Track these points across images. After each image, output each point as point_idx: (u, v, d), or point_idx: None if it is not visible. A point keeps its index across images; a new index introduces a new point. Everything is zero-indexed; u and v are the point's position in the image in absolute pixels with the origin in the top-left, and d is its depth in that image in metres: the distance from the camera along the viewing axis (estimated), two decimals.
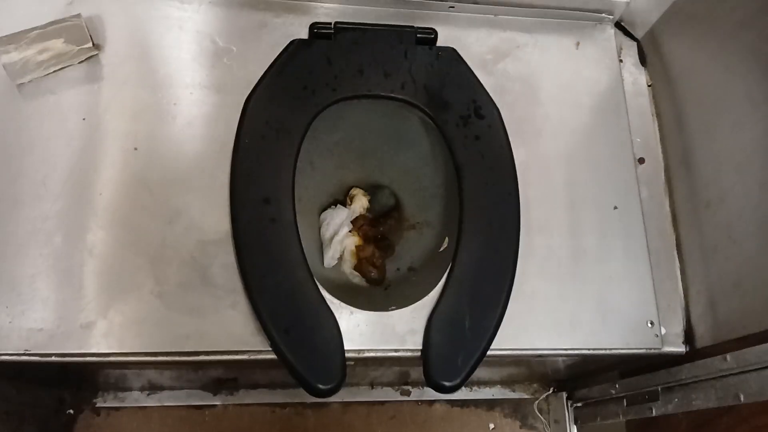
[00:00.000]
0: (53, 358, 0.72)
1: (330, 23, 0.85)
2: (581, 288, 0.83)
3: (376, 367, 1.06)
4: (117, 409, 1.11)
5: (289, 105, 0.80)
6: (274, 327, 0.71)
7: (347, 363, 0.72)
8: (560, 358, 0.98)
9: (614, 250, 0.85)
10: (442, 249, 0.88)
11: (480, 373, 1.16)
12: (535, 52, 0.95)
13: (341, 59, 0.84)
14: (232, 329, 0.75)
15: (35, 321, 0.72)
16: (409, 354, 0.75)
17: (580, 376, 1.13)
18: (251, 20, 0.89)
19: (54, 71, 0.82)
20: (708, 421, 0.80)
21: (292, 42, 0.84)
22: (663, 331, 0.83)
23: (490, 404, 1.21)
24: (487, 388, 1.22)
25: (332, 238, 0.92)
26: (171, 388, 1.12)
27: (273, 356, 0.72)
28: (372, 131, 0.94)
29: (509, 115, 0.86)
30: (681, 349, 0.84)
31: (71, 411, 1.09)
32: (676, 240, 0.89)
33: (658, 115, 0.95)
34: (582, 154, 0.89)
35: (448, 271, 0.77)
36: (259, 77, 0.82)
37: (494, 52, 0.94)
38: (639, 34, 0.98)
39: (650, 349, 0.82)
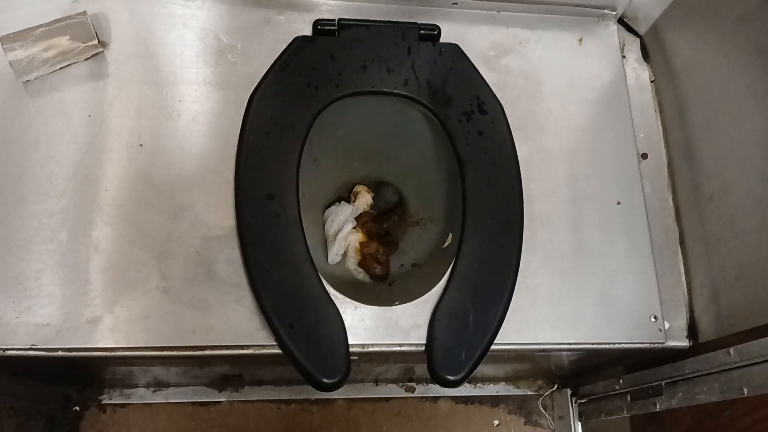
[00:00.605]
0: (60, 353, 0.72)
1: (333, 20, 0.85)
2: (584, 282, 0.83)
3: (380, 363, 1.06)
4: (123, 405, 1.11)
5: (293, 101, 0.81)
6: (279, 322, 0.71)
7: (352, 357, 0.73)
8: (564, 353, 0.98)
9: (617, 244, 0.85)
10: (445, 245, 0.88)
11: (484, 369, 1.18)
12: (538, 48, 0.95)
13: (344, 56, 0.84)
14: (238, 324, 0.75)
15: (42, 316, 0.73)
16: (413, 348, 0.76)
17: (584, 372, 1.13)
18: (255, 17, 0.90)
19: (59, 68, 0.82)
20: (711, 415, 0.80)
21: (295, 38, 0.85)
22: (666, 325, 0.83)
23: (494, 401, 1.21)
24: (492, 385, 1.22)
25: (336, 234, 0.93)
26: (177, 385, 1.13)
27: (278, 351, 0.73)
28: (375, 127, 0.94)
29: (512, 111, 0.87)
30: (684, 343, 0.84)
31: (77, 408, 1.10)
32: (679, 234, 0.89)
33: (661, 110, 0.95)
34: (585, 149, 0.89)
35: (451, 265, 0.77)
36: (263, 74, 0.83)
37: (497, 49, 0.94)
38: (642, 29, 0.98)
39: (654, 343, 0.82)
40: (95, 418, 1.10)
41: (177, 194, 0.79)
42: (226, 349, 0.75)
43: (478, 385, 1.22)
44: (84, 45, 0.82)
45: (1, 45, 0.78)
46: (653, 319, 0.82)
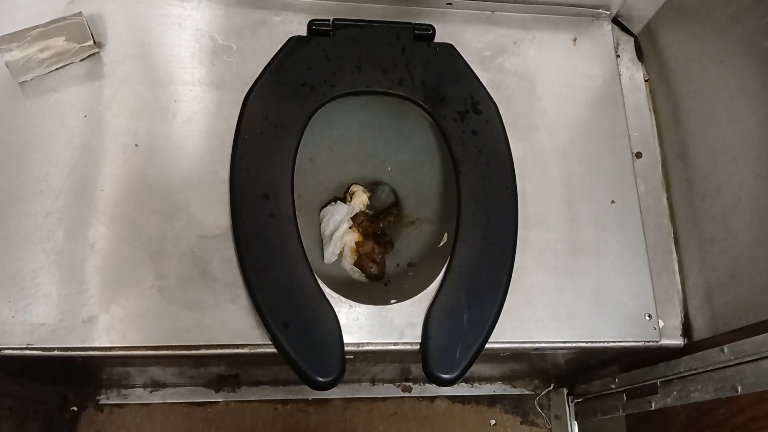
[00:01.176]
0: (56, 352, 0.73)
1: (328, 20, 0.86)
2: (579, 281, 0.83)
3: (377, 362, 1.06)
4: (120, 406, 1.12)
5: (288, 101, 0.81)
6: (274, 321, 0.71)
7: (347, 356, 0.73)
8: (559, 352, 0.98)
9: (612, 243, 0.85)
10: (441, 245, 0.88)
11: (481, 369, 1.18)
12: (532, 48, 0.95)
13: (339, 56, 0.84)
14: (233, 323, 0.75)
15: (38, 315, 0.73)
16: (407, 347, 0.76)
17: (580, 372, 1.13)
18: (250, 18, 0.90)
19: (55, 69, 0.83)
20: (706, 413, 0.80)
21: (290, 39, 0.85)
22: (661, 323, 0.83)
23: (491, 400, 1.22)
24: (488, 385, 1.22)
25: (332, 234, 0.93)
26: (174, 385, 1.13)
27: (273, 350, 0.73)
28: (371, 127, 0.95)
29: (507, 111, 0.87)
30: (679, 341, 0.84)
31: (75, 408, 1.10)
32: (673, 233, 0.89)
33: (655, 109, 0.95)
34: (579, 148, 0.90)
35: (446, 264, 0.77)
36: (258, 74, 0.83)
37: (492, 48, 0.94)
38: (636, 29, 0.99)
39: (648, 341, 0.82)
40: (92, 418, 1.10)
41: (172, 194, 0.80)
42: (222, 349, 0.75)
43: (474, 384, 1.22)
44: (80, 46, 0.82)
45: None
46: (648, 318, 0.83)
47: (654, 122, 0.95)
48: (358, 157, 0.99)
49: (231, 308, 0.76)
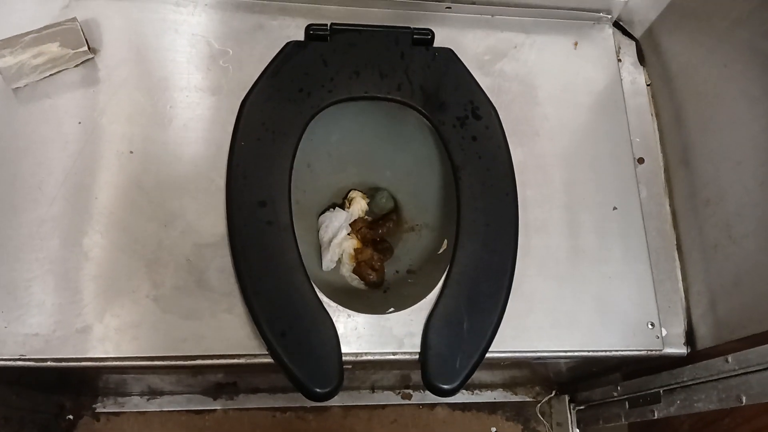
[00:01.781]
0: (49, 363, 0.72)
1: (326, 24, 0.85)
2: (580, 289, 0.82)
3: (376, 370, 1.05)
4: (117, 414, 1.11)
5: (285, 107, 0.80)
6: (271, 331, 0.71)
7: (345, 366, 0.72)
8: (561, 360, 0.97)
9: (614, 250, 0.84)
10: (441, 251, 0.87)
11: (481, 376, 1.17)
12: (532, 53, 0.94)
13: (337, 61, 0.83)
14: (229, 333, 0.74)
15: (31, 326, 0.72)
16: (407, 357, 0.75)
17: (582, 379, 1.12)
18: (247, 22, 0.89)
19: (50, 75, 0.82)
20: (710, 423, 0.79)
21: (288, 44, 0.84)
22: (664, 332, 0.82)
23: (492, 407, 1.21)
24: (489, 392, 1.21)
25: (331, 241, 0.92)
26: (171, 393, 1.12)
27: (270, 360, 0.72)
28: (369, 133, 0.94)
29: (507, 116, 0.86)
30: (682, 350, 0.83)
31: (71, 416, 1.09)
32: (676, 239, 0.88)
33: (657, 114, 0.94)
34: (581, 154, 0.89)
35: (446, 272, 0.76)
36: (255, 79, 0.82)
37: (491, 53, 0.93)
38: (637, 33, 0.98)
39: (651, 350, 0.81)
40: (89, 426, 1.09)
41: (168, 201, 0.79)
42: (218, 359, 0.74)
43: (475, 391, 1.21)
44: (74, 51, 0.81)
45: None
46: (650, 326, 0.81)
47: (656, 127, 0.93)
48: (357, 163, 0.98)
49: (227, 318, 0.75)
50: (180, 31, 0.87)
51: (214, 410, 1.13)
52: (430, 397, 1.18)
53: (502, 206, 0.80)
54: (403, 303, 0.77)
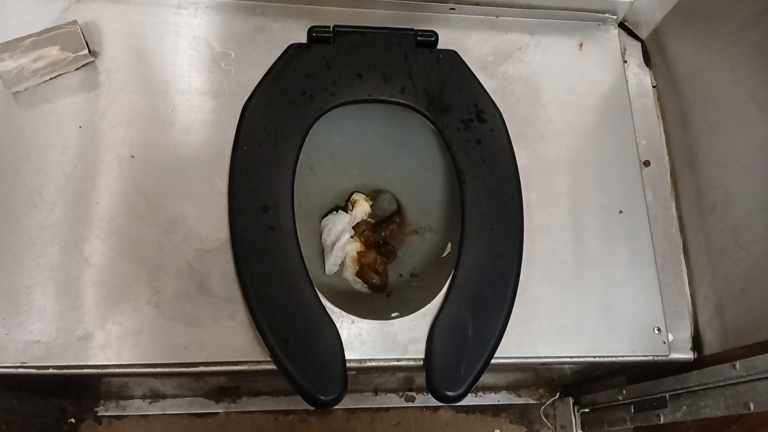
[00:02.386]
0: (51, 371, 0.71)
1: (329, 26, 0.84)
2: (586, 293, 0.81)
3: (379, 374, 1.05)
4: (119, 417, 1.10)
5: (288, 110, 0.79)
6: (274, 337, 0.70)
7: (348, 373, 0.71)
8: (566, 365, 0.96)
9: (619, 254, 0.84)
10: (444, 254, 0.87)
11: (485, 378, 1.15)
12: (537, 54, 0.93)
13: (340, 63, 0.82)
14: (231, 339, 0.74)
15: (32, 333, 0.72)
16: (411, 363, 0.74)
17: (587, 381, 1.11)
18: (249, 25, 0.88)
19: (50, 79, 0.81)
20: (717, 429, 0.78)
21: (290, 46, 0.83)
22: (670, 337, 0.82)
23: (495, 410, 1.20)
24: (493, 394, 1.21)
25: (334, 244, 0.91)
26: (173, 396, 1.12)
27: (273, 367, 0.72)
28: (372, 135, 0.93)
29: (511, 118, 0.85)
30: (689, 355, 0.82)
31: (73, 420, 1.08)
32: (682, 243, 0.87)
33: (663, 116, 0.93)
34: (586, 156, 0.88)
35: (450, 277, 0.75)
36: (257, 82, 0.82)
37: (496, 54, 0.92)
38: (643, 34, 0.97)
39: (658, 356, 0.80)
40: (91, 430, 1.09)
41: (169, 206, 0.78)
42: (220, 366, 0.73)
43: (479, 394, 1.20)
44: (74, 55, 0.80)
45: None
46: (657, 331, 0.81)
47: (662, 129, 0.93)
48: (360, 165, 0.97)
49: (230, 324, 0.74)
50: (181, 34, 0.87)
51: (217, 413, 1.12)
52: (433, 400, 1.17)
53: (507, 210, 0.80)
54: (406, 307, 0.77)
